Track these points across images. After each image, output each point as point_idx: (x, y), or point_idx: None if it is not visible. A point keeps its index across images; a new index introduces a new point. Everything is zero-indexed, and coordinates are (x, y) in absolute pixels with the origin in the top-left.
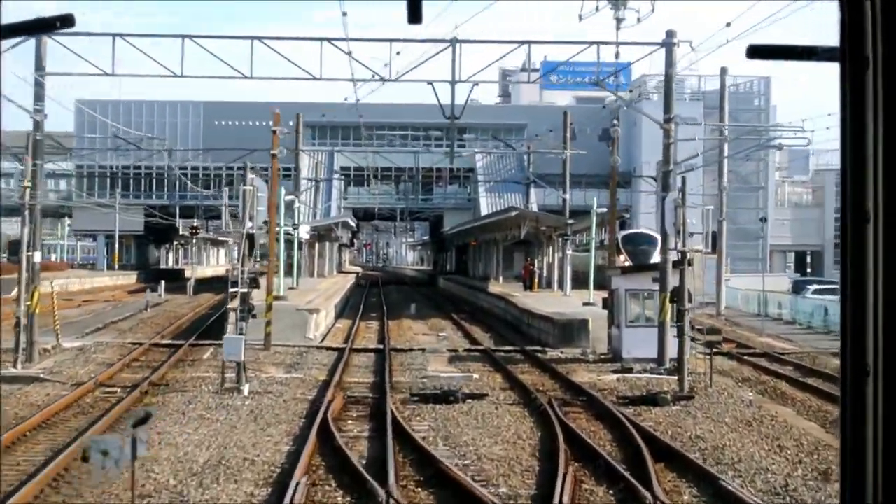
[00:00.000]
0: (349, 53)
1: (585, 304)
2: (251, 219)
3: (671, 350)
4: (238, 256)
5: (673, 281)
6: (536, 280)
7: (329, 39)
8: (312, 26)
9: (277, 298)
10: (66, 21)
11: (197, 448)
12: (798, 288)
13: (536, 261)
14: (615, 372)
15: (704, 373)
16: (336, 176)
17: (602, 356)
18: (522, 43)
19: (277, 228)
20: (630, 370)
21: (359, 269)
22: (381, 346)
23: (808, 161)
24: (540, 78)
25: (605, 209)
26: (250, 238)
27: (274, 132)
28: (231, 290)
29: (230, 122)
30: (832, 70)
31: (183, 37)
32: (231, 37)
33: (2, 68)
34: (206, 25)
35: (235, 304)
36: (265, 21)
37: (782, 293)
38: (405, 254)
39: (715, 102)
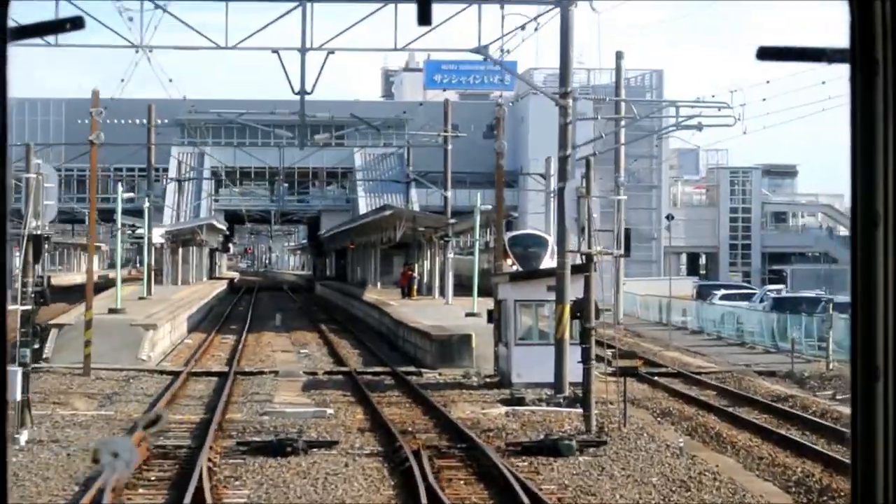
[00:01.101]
0: (164, 9)
1: (469, 314)
2: (37, 216)
3: (572, 373)
4: (20, 264)
5: (574, 290)
6: (416, 286)
7: None
8: None
9: (114, 311)
10: (76, 23)
11: None
12: (703, 293)
13: (417, 265)
14: (504, 402)
15: (613, 403)
16: (205, 176)
17: (488, 378)
18: (388, 2)
19: (131, 231)
20: (521, 400)
21: (236, 275)
22: (227, 369)
23: (698, 160)
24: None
25: (490, 206)
26: (36, 241)
27: (91, 114)
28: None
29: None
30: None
31: None
32: None
33: (8, 72)
34: None
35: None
36: None
37: (685, 299)
38: (287, 259)
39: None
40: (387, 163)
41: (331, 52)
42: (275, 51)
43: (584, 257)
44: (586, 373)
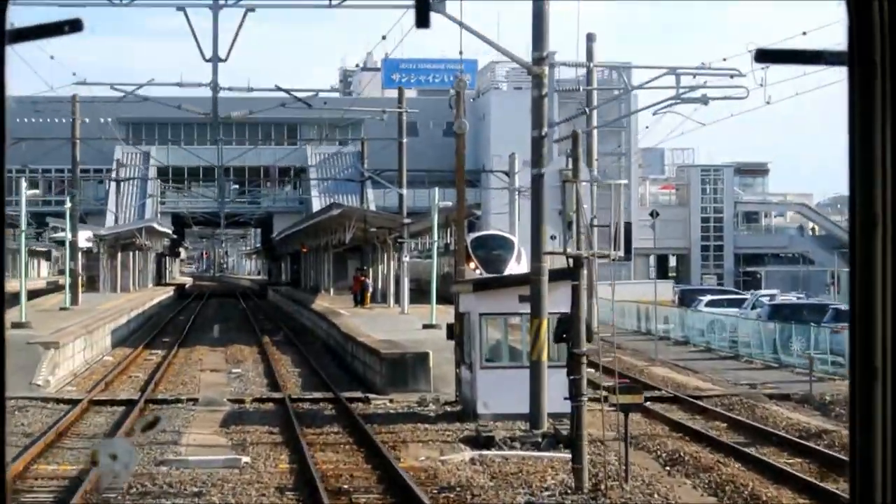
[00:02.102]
0: None
1: (426, 325)
2: None
3: (551, 401)
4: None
5: (553, 300)
6: (369, 293)
7: None
8: None
9: (18, 326)
10: (75, 25)
11: None
12: (686, 299)
13: (371, 270)
14: (468, 442)
15: (605, 442)
16: (150, 176)
17: (448, 406)
18: None
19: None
20: (490, 440)
21: (189, 281)
22: (140, 395)
23: (663, 159)
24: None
25: (451, 203)
26: None
27: None
28: None
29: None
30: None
31: None
32: None
33: (6, 74)
34: None
35: None
36: None
37: (664, 304)
38: (245, 263)
39: (570, 94)
40: (342, 161)
41: (250, 9)
42: (181, 8)
43: (570, 260)
44: (575, 412)
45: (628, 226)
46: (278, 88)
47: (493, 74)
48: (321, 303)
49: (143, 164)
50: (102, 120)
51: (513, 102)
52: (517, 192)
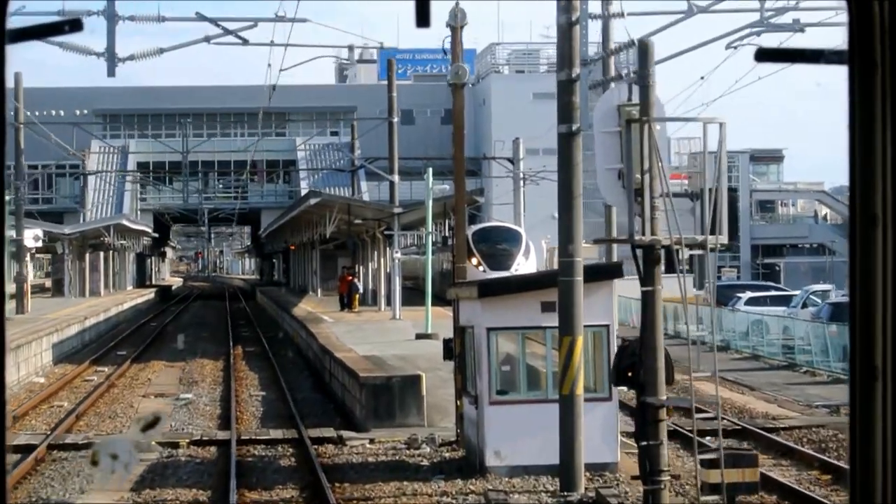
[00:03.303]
0: None
1: (421, 335)
2: None
3: (591, 450)
4: None
5: (594, 309)
6: (358, 295)
7: None
8: None
9: None
10: (75, 25)
11: None
12: (723, 297)
13: (360, 269)
14: None
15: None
16: (129, 171)
17: (447, 449)
18: None
19: None
20: None
21: (177, 282)
22: (46, 434)
23: (669, 147)
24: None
25: (448, 187)
26: None
27: None
28: None
29: None
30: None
31: None
32: None
33: (6, 73)
34: None
35: None
36: None
37: (691, 303)
38: (240, 262)
39: (591, 74)
40: (333, 153)
41: None
42: None
43: (637, 252)
44: (651, 500)
45: (733, 197)
46: (201, 17)
47: (494, 58)
48: (305, 306)
49: (120, 159)
50: (78, 112)
51: (515, 86)
52: (522, 181)
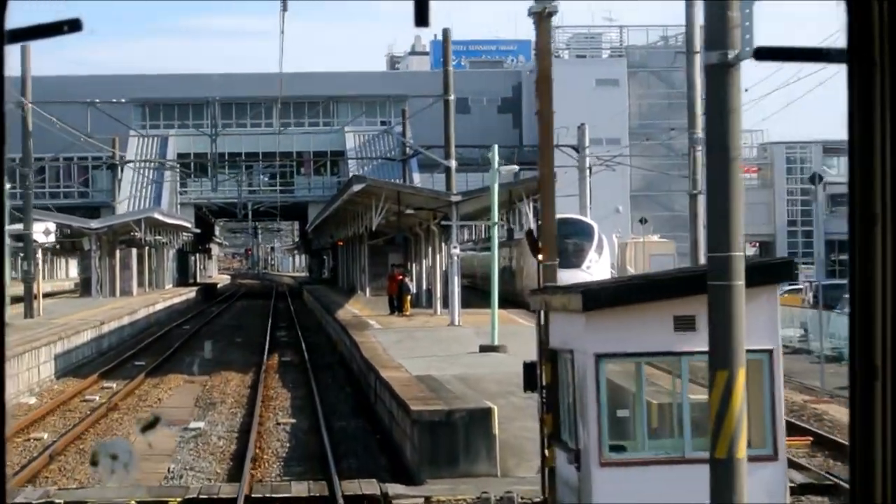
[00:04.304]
0: None
1: (486, 347)
2: None
3: None
4: None
5: (756, 326)
6: (409, 296)
7: None
8: None
9: None
10: (74, 25)
11: None
12: (829, 299)
13: (411, 266)
14: None
15: None
16: (170, 164)
17: None
18: None
19: None
20: None
21: (223, 280)
22: None
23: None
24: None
25: (515, 166)
26: None
27: None
28: None
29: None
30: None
31: None
32: None
33: (6, 74)
34: None
35: None
36: None
37: (794, 305)
38: (290, 259)
39: (640, 60)
40: (384, 143)
41: None
42: None
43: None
44: None
45: None
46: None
47: (553, 42)
48: (351, 308)
49: (160, 150)
50: (115, 100)
51: (576, 72)
52: (588, 170)
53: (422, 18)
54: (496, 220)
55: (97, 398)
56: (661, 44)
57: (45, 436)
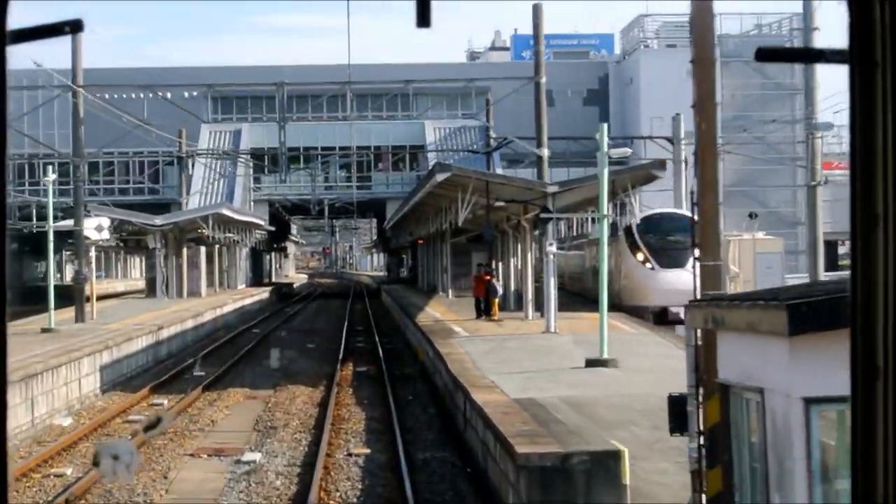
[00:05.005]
0: None
1: (592, 362)
2: None
3: None
4: None
5: None
6: (497, 299)
7: None
8: None
9: None
10: (76, 26)
11: None
12: None
13: (498, 265)
14: None
15: None
16: (242, 159)
17: None
18: None
19: None
20: None
21: (300, 279)
22: None
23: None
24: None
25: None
26: None
27: None
28: None
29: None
30: None
31: None
32: None
33: (6, 74)
34: None
35: None
36: None
37: None
38: (369, 258)
39: (735, 51)
40: (465, 137)
41: None
42: None
43: None
44: None
45: None
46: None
47: (642, 31)
48: (432, 311)
49: (233, 143)
50: (187, 95)
51: (666, 62)
52: (684, 163)
53: (423, 19)
54: (606, 211)
55: (143, 418)
56: (755, 32)
57: (69, 471)
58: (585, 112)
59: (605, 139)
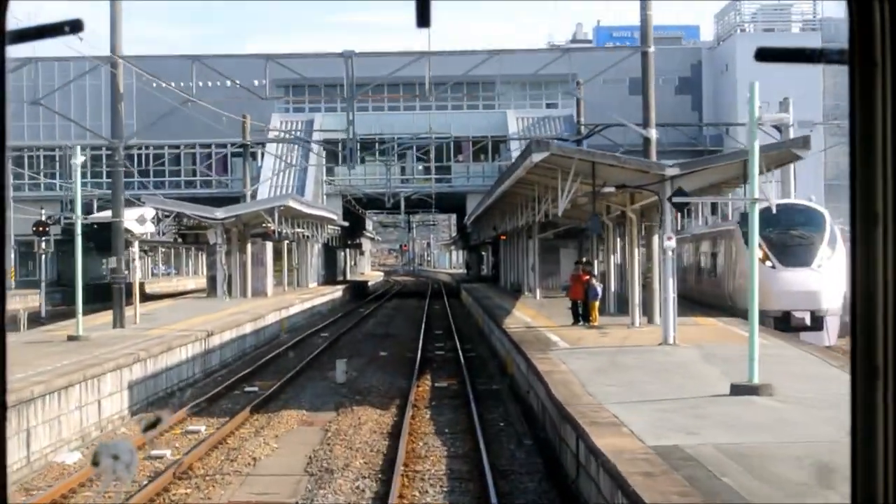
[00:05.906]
0: None
1: (740, 389)
2: None
3: None
4: None
5: None
6: (598, 302)
7: None
8: None
9: None
10: (75, 26)
11: None
12: None
13: (598, 262)
14: None
15: None
16: (314, 150)
17: None
18: None
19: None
20: None
21: (376, 277)
22: None
23: None
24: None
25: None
26: None
27: None
28: None
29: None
30: None
31: None
32: None
33: (7, 74)
34: None
35: None
36: None
37: None
38: (448, 255)
39: (836, 35)
40: (550, 127)
41: None
42: None
43: None
44: None
45: None
46: None
47: (738, 15)
48: (521, 314)
49: (305, 134)
50: (256, 82)
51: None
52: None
53: (423, 19)
54: (756, 193)
55: (167, 454)
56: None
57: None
58: (678, 100)
59: (756, 102)
